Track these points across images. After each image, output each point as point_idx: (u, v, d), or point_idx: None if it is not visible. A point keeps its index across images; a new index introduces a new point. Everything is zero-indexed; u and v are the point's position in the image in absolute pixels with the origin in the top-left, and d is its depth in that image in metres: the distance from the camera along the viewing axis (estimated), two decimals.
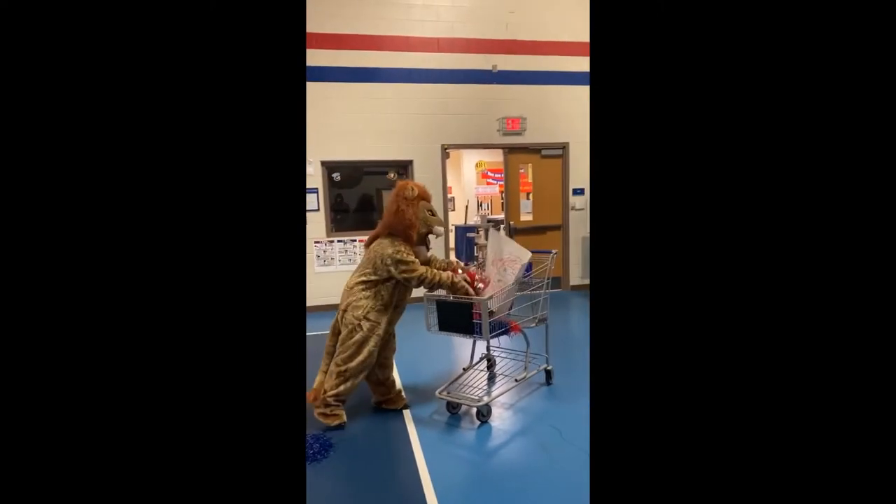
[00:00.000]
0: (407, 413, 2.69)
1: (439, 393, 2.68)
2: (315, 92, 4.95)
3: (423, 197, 2.65)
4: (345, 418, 2.55)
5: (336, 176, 5.24)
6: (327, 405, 2.53)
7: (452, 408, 2.68)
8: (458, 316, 2.51)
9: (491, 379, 3.06)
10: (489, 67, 5.37)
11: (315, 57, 4.94)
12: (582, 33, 5.57)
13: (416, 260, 2.56)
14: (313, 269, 5.17)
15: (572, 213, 5.84)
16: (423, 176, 5.33)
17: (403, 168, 5.42)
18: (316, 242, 5.16)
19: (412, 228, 2.56)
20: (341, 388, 2.50)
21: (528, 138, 5.60)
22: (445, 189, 5.56)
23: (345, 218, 5.42)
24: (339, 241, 5.23)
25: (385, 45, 5.11)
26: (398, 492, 1.98)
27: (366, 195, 5.52)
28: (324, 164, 5.11)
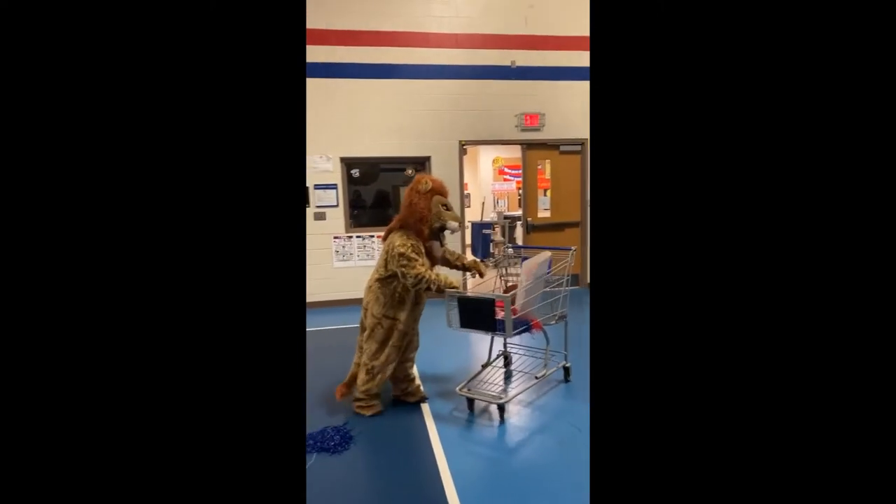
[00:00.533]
0: (425, 407, 2.71)
1: (459, 390, 2.69)
2: (334, 88, 4.99)
3: (438, 191, 2.62)
4: (380, 408, 2.66)
5: (355, 172, 5.28)
6: (360, 399, 2.64)
7: (472, 404, 2.69)
8: (480, 313, 2.48)
9: (508, 376, 3.06)
10: (508, 63, 5.34)
11: (334, 53, 4.97)
12: None
13: (420, 259, 2.50)
14: (332, 264, 5.23)
15: (591, 210, 5.79)
16: (440, 172, 5.33)
17: (421, 164, 5.43)
18: (335, 238, 5.22)
19: (423, 222, 2.55)
20: (370, 384, 2.59)
21: (546, 134, 5.56)
22: (462, 185, 5.56)
23: (362, 214, 5.47)
24: (357, 237, 5.28)
25: (404, 41, 5.12)
26: (417, 482, 2.00)
27: (382, 191, 5.55)
28: (343, 160, 5.16)
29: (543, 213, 5.79)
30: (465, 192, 6.51)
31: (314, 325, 4.50)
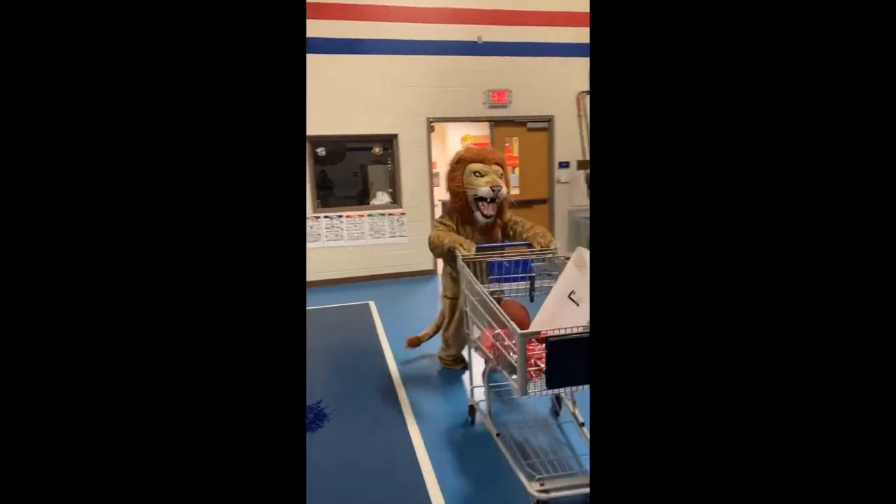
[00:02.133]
0: (397, 379, 2.77)
1: (536, 491, 1.65)
2: None
3: (471, 159, 2.43)
4: (465, 363, 2.85)
5: (321, 151, 5.17)
6: (445, 359, 2.93)
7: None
8: (582, 358, 1.47)
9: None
10: (474, 38, 5.28)
11: None
12: (568, 2, 5.49)
13: (440, 229, 2.49)
14: None
15: (558, 187, 5.87)
16: (409, 150, 5.29)
17: (388, 142, 5.36)
18: None
19: (456, 196, 2.48)
20: (451, 349, 2.86)
21: (513, 111, 5.57)
22: (430, 164, 5.53)
23: (328, 194, 5.37)
24: (325, 217, 5.20)
25: (368, 15, 4.97)
26: (392, 458, 2.05)
27: (350, 171, 5.45)
28: (308, 138, 5.03)
29: (513, 191, 5.83)
30: (434, 170, 6.47)
31: None
